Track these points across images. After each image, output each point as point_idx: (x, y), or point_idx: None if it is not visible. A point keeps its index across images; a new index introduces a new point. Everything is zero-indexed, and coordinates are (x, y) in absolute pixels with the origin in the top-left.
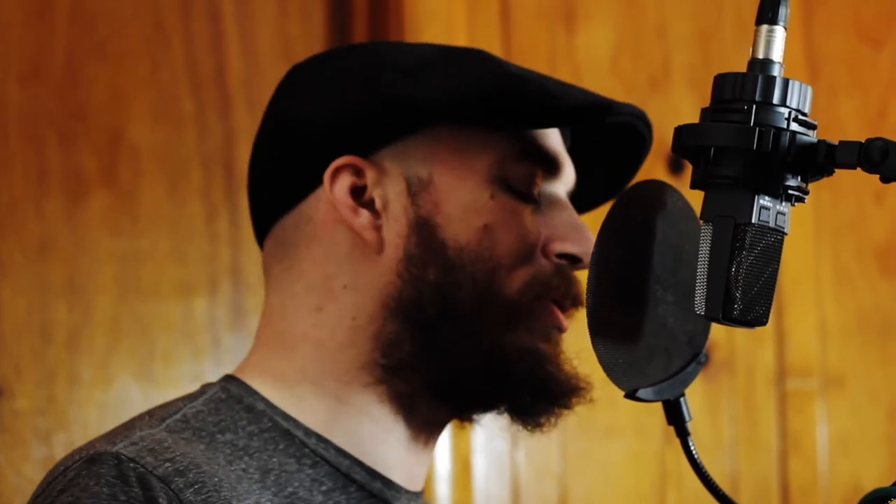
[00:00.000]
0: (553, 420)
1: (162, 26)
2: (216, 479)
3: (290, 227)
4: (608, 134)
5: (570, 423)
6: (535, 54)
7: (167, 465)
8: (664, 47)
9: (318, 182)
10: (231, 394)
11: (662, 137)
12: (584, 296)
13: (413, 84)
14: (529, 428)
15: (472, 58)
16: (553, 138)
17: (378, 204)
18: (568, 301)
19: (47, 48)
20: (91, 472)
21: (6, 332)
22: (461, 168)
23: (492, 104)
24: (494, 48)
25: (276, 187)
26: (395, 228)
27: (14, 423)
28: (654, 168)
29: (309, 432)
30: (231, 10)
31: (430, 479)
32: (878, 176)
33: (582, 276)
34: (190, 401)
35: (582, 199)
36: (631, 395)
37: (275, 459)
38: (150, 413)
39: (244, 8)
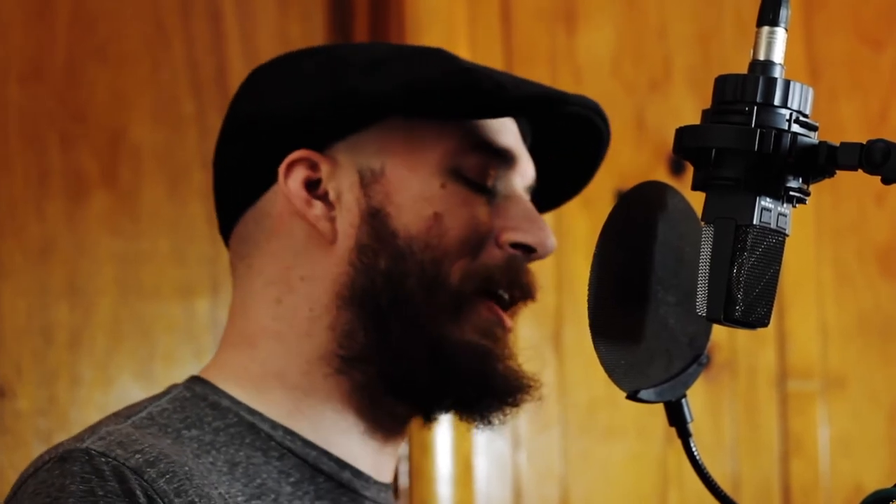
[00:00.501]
0: (502, 417)
1: (162, 27)
2: (186, 468)
3: (250, 223)
4: (565, 129)
5: (572, 425)
6: (535, 55)
7: (137, 456)
8: (665, 48)
9: (275, 177)
10: (196, 392)
11: (663, 138)
12: (586, 294)
13: (365, 79)
14: (478, 424)
15: (426, 54)
16: (508, 133)
17: (332, 196)
18: (516, 292)
19: (48, 49)
20: (64, 471)
21: (7, 333)
22: (413, 159)
23: (441, 95)
24: (495, 49)
25: (237, 185)
26: (348, 219)
27: (15, 424)
28: (655, 169)
29: (275, 425)
30: (232, 11)
31: (431, 480)
32: (879, 177)
33: (541, 268)
34: (155, 400)
35: (546, 197)
36: (632, 396)
37: (241, 453)
38: (115, 413)
39: (245, 9)
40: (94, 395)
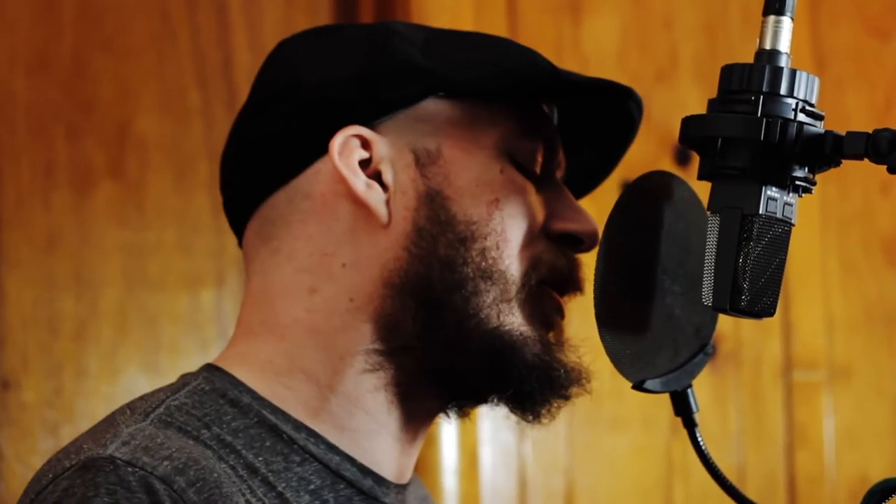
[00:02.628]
0: (553, 411)
1: (168, 19)
2: (215, 475)
3: (281, 204)
4: (597, 119)
5: (577, 415)
6: (541, 46)
7: (165, 463)
8: (671, 39)
9: (318, 153)
10: (215, 386)
11: (669, 129)
12: (592, 284)
13: (422, 53)
14: (529, 418)
15: (479, 36)
16: (551, 120)
17: (385, 176)
18: (570, 286)
19: (54, 41)
20: (87, 481)
21: (14, 324)
22: (469, 141)
23: (501, 77)
24: None
25: (268, 160)
26: (403, 201)
27: (22, 416)
28: (661, 159)
29: (298, 426)
30: (237, 3)
31: (436, 472)
32: (884, 167)
33: (584, 260)
34: (172, 392)
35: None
36: (638, 386)
37: (261, 458)
38: (130, 407)
39: (251, 0)
40: (100, 386)
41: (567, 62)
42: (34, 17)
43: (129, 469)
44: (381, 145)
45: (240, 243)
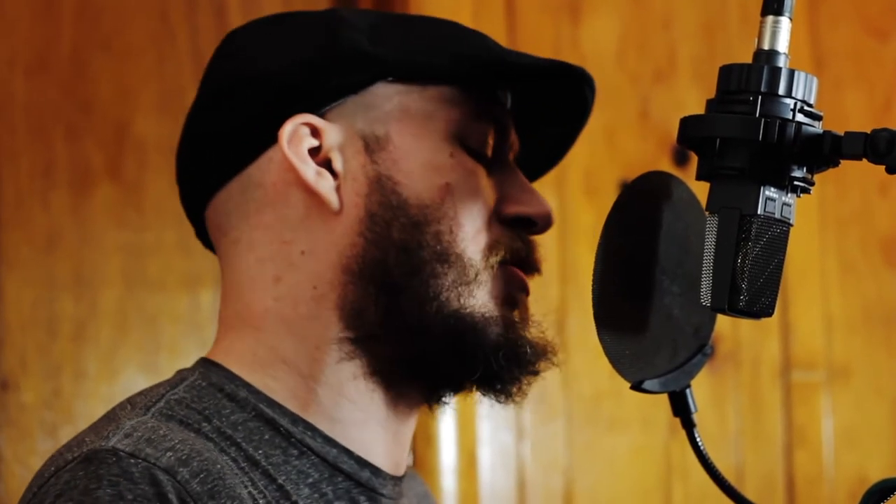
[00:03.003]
0: (524, 388)
1: (167, 20)
2: (219, 466)
3: (235, 194)
4: (552, 98)
5: (576, 416)
6: (540, 46)
7: (169, 454)
8: (670, 39)
9: (267, 142)
10: (212, 381)
11: (668, 129)
12: (591, 285)
13: (370, 40)
14: (501, 398)
15: (429, 22)
16: (501, 100)
17: (335, 163)
18: (529, 267)
19: (53, 42)
20: (90, 473)
21: (12, 325)
22: (419, 126)
23: (448, 61)
24: (499, 40)
25: (219, 152)
26: (354, 188)
27: (20, 417)
28: (659, 159)
29: (295, 419)
30: (236, 4)
31: (435, 472)
32: (883, 167)
33: (545, 258)
34: (170, 387)
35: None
36: (637, 386)
37: (261, 451)
38: (130, 402)
39: (250, 1)
40: (99, 387)
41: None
42: (33, 18)
43: (133, 460)
44: (331, 132)
45: (197, 234)
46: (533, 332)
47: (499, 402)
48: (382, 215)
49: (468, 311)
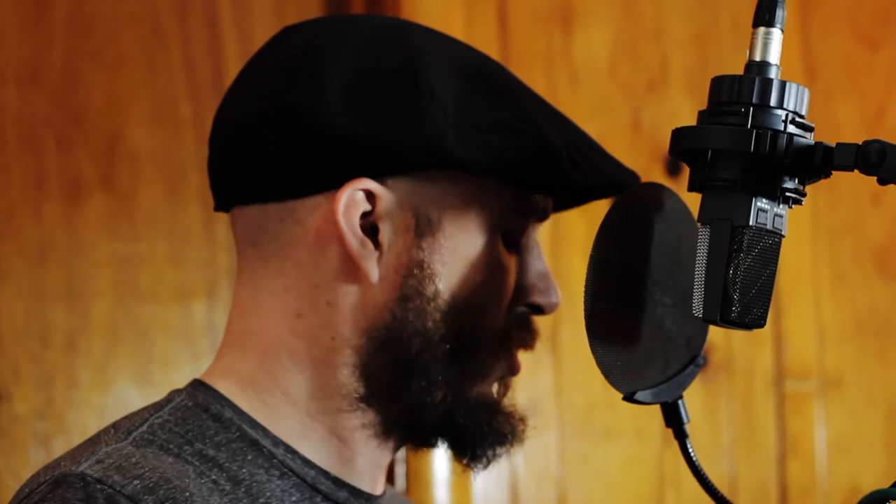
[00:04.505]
0: (493, 461)
1: (160, 30)
2: (187, 494)
3: (273, 217)
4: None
5: (569, 427)
6: (532, 57)
7: (136, 482)
8: (661, 50)
9: (321, 188)
10: (198, 401)
11: (659, 140)
12: (583, 296)
13: (453, 132)
14: (472, 467)
15: (510, 98)
16: (548, 198)
17: (382, 236)
18: (526, 347)
19: (45, 53)
20: (57, 496)
21: (5, 336)
22: (469, 218)
23: (526, 175)
24: (492, 50)
25: (273, 174)
26: (395, 265)
27: (13, 427)
28: (651, 170)
29: (277, 442)
30: (229, 14)
31: (428, 483)
32: (875, 178)
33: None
34: (156, 410)
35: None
36: (629, 397)
37: (245, 470)
38: (115, 426)
39: (242, 12)
40: (91, 397)
41: (558, 73)
42: (24, 29)
43: (99, 486)
44: (386, 202)
45: (216, 207)
46: (512, 415)
47: (467, 468)
48: (414, 300)
49: (466, 396)
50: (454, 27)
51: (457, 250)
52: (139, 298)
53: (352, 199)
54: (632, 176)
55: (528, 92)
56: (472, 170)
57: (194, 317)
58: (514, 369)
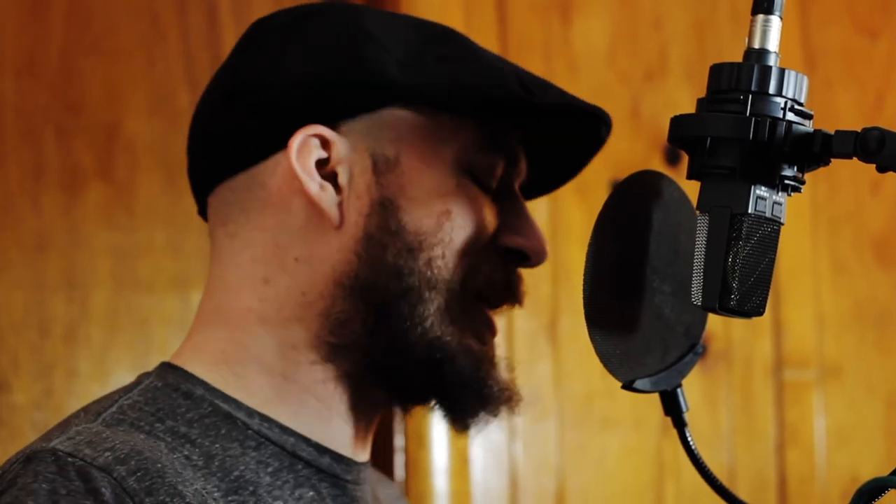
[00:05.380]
0: (480, 424)
1: (158, 21)
2: (159, 465)
3: (240, 189)
4: (565, 130)
5: (568, 416)
6: (530, 46)
7: (107, 454)
8: (660, 39)
9: (278, 146)
10: (167, 381)
11: (659, 129)
12: (581, 284)
13: (395, 63)
14: (457, 427)
15: (454, 42)
16: (514, 131)
17: (341, 178)
18: (505, 298)
19: (43, 43)
20: (28, 471)
21: (3, 326)
22: (429, 152)
23: (472, 97)
24: (490, 40)
25: (231, 146)
26: (357, 206)
27: (12, 417)
28: (650, 159)
29: (251, 412)
30: (227, 4)
31: (427, 472)
32: (874, 166)
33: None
34: (125, 392)
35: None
36: (628, 385)
37: (217, 445)
38: (84, 410)
39: (240, 2)
40: (90, 388)
41: (556, 62)
42: (22, 20)
43: (70, 459)
44: (341, 147)
45: (199, 211)
46: (503, 376)
47: (454, 429)
48: (380, 238)
49: (447, 339)
50: (453, 15)
51: (421, 185)
52: (138, 288)
53: (304, 144)
54: (583, 102)
55: (473, 42)
56: (417, 98)
57: (193, 307)
58: (493, 327)
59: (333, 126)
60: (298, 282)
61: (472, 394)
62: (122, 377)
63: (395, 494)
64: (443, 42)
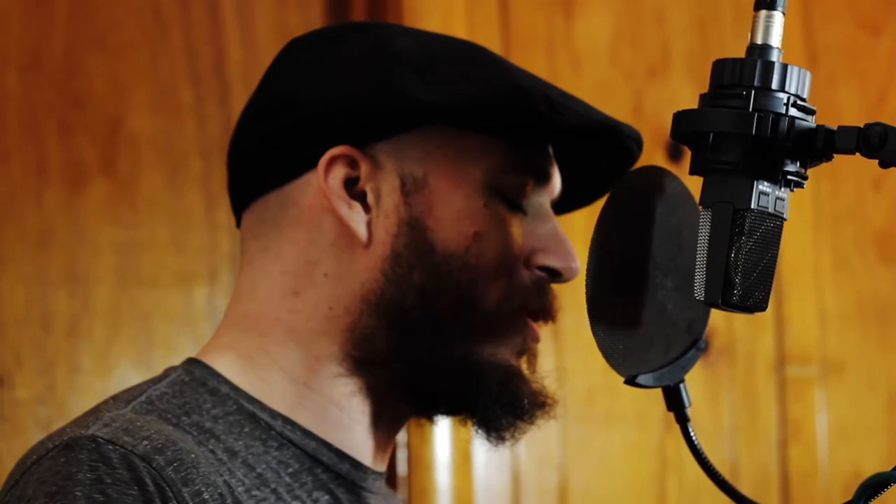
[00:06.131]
0: (516, 434)
1: (161, 16)
2: (193, 455)
3: (273, 206)
4: (596, 147)
5: (571, 411)
6: (533, 42)
7: (145, 443)
8: (663, 35)
9: (309, 166)
10: (195, 377)
11: (661, 125)
12: (584, 280)
13: (419, 82)
14: (492, 440)
15: (480, 60)
16: (545, 149)
17: (370, 198)
18: (543, 315)
19: (46, 39)
20: (70, 459)
21: (6, 321)
22: (457, 172)
23: (497, 113)
24: (493, 36)
25: (265, 164)
26: (385, 225)
27: (14, 413)
28: (653, 155)
29: (275, 414)
30: (230, 1)
31: (430, 468)
32: (876, 162)
33: (562, 287)
34: (153, 384)
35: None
36: (631, 381)
37: (241, 442)
38: (114, 398)
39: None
40: (93, 383)
41: (559, 58)
42: (26, 15)
43: (111, 447)
44: (370, 166)
45: (237, 224)
46: (535, 385)
47: (489, 441)
48: (407, 257)
49: (476, 358)
50: (455, 12)
51: (450, 205)
52: (141, 284)
53: (333, 164)
54: (611, 118)
55: (502, 59)
56: (444, 119)
57: (196, 302)
58: (533, 336)
59: (362, 146)
60: (326, 296)
61: (502, 408)
62: (125, 373)
63: None
64: (471, 61)
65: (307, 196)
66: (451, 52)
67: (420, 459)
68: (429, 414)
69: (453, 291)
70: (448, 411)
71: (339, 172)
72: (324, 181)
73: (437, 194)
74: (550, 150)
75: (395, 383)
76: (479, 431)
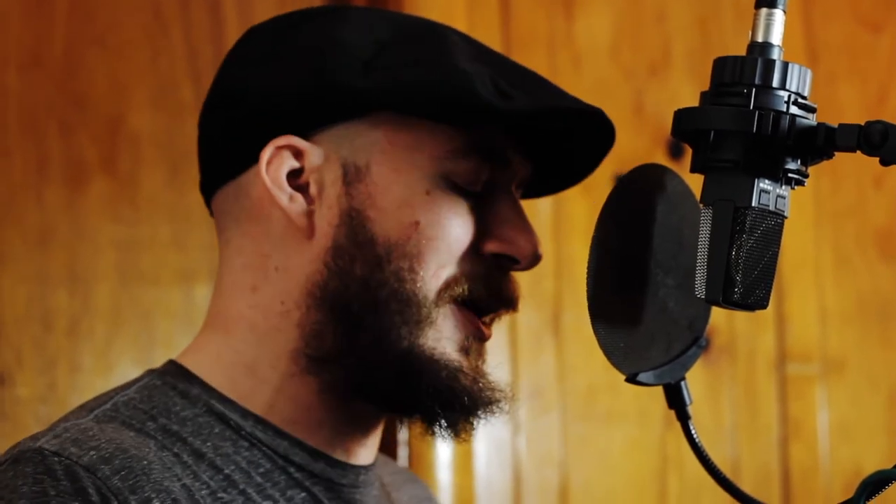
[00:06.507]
0: (468, 429)
1: (161, 15)
2: (145, 462)
3: (230, 198)
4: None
5: (571, 409)
6: (534, 40)
7: (91, 453)
8: (664, 33)
9: (255, 157)
10: (166, 380)
11: (662, 123)
12: (585, 278)
13: (360, 71)
14: (444, 436)
15: (434, 45)
16: (503, 131)
17: (313, 189)
18: (497, 304)
19: (47, 37)
20: (17, 472)
21: (7, 320)
22: (399, 160)
23: (434, 101)
24: (494, 35)
25: (218, 156)
26: (328, 217)
27: (15, 411)
28: (653, 154)
29: (246, 414)
30: None
31: (431, 466)
32: (877, 159)
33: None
34: (124, 389)
35: (544, 182)
36: (632, 378)
37: (209, 444)
38: (81, 406)
39: None
40: (94, 381)
41: (560, 57)
42: (26, 14)
43: (56, 458)
44: (314, 156)
45: (211, 213)
46: (478, 382)
47: (442, 438)
48: (348, 249)
49: (418, 351)
50: (456, 12)
51: (391, 195)
52: (141, 282)
53: (275, 155)
54: (580, 102)
55: (463, 42)
56: (384, 107)
57: (197, 300)
58: (478, 334)
59: (307, 136)
60: (278, 290)
61: (442, 406)
62: (126, 371)
63: (422, 495)
64: (418, 43)
65: (256, 188)
66: (405, 35)
67: (421, 458)
68: (388, 413)
69: (393, 282)
70: (401, 410)
71: (282, 163)
72: (264, 172)
73: (379, 183)
74: (510, 134)
75: (346, 381)
76: (427, 430)
